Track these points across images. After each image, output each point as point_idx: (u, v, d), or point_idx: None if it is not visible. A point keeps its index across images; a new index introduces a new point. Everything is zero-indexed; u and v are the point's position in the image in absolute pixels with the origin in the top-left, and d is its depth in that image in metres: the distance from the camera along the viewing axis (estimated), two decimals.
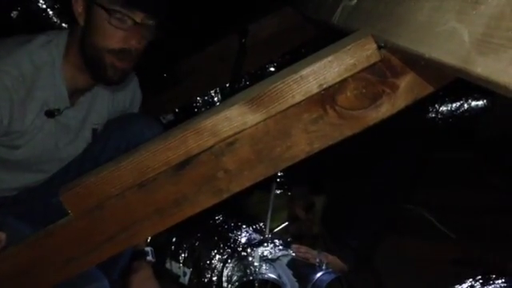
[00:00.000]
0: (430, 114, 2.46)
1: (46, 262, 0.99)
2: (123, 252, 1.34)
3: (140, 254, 1.54)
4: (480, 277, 1.22)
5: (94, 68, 1.32)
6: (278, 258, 1.54)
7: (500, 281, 1.17)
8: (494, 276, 1.20)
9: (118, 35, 1.27)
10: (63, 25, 2.16)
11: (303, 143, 0.87)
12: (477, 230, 2.00)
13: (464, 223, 2.05)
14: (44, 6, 2.17)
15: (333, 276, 1.47)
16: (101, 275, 1.28)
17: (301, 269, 1.51)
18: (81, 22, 1.30)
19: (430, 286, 1.58)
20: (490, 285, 1.17)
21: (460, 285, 1.23)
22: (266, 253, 1.54)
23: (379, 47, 0.81)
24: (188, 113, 2.46)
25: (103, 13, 1.25)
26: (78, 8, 1.29)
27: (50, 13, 2.19)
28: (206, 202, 0.92)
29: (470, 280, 1.23)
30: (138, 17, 1.26)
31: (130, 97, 1.58)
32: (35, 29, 2.14)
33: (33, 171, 1.45)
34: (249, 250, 1.55)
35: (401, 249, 1.91)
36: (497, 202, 2.19)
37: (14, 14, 2.20)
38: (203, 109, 2.53)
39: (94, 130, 1.49)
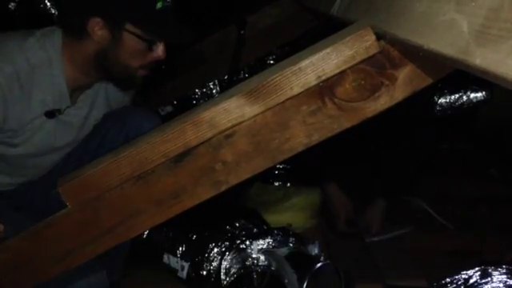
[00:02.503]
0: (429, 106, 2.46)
1: (44, 253, 0.99)
2: (122, 244, 1.34)
3: None
4: (478, 268, 1.22)
5: (123, 81, 1.37)
6: (275, 249, 1.54)
7: (498, 272, 1.17)
8: (492, 267, 1.20)
9: (152, 55, 1.32)
10: None
11: (302, 135, 0.87)
12: (475, 221, 2.00)
13: (462, 214, 2.06)
14: None
15: (331, 267, 1.47)
16: (98, 267, 1.28)
17: (299, 260, 1.51)
18: (96, 39, 1.28)
19: (428, 276, 1.58)
20: (488, 276, 1.18)
21: (458, 275, 1.23)
22: (263, 245, 1.54)
23: (378, 38, 0.80)
24: (186, 105, 2.46)
25: (138, 40, 1.28)
26: (98, 31, 1.27)
27: (48, 4, 2.18)
28: (205, 194, 0.92)
29: (468, 271, 1.23)
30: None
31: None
32: (34, 20, 2.14)
33: (31, 167, 1.44)
34: (247, 243, 1.55)
35: (398, 239, 1.92)
36: (495, 193, 2.19)
37: (11, 5, 2.19)
38: (202, 101, 2.52)
39: (96, 129, 1.48)
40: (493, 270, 1.19)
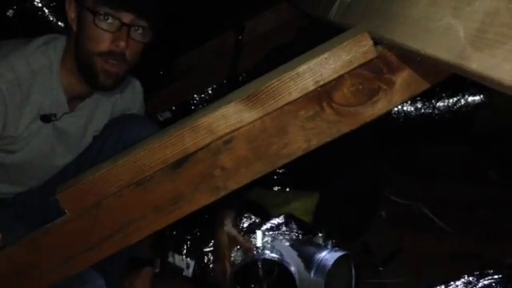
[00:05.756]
0: (427, 110, 2.47)
1: (43, 261, 0.99)
2: (121, 252, 1.34)
3: (145, 262, 1.50)
4: (477, 272, 1.22)
5: (87, 73, 1.29)
6: (281, 238, 1.53)
7: (497, 276, 1.17)
8: (491, 271, 1.20)
9: (105, 37, 1.23)
10: (59, 23, 2.16)
11: (300, 140, 0.87)
12: (474, 225, 2.00)
13: (461, 217, 2.06)
14: (40, 5, 2.17)
15: (338, 254, 1.44)
16: (96, 275, 1.28)
17: (305, 249, 1.49)
18: (74, 27, 1.28)
19: (427, 280, 1.58)
20: (488, 280, 1.18)
21: (457, 279, 1.23)
22: (268, 235, 1.53)
23: (375, 43, 0.81)
24: (185, 110, 2.46)
25: (90, 16, 1.23)
26: (71, 14, 1.28)
27: (46, 11, 2.18)
28: (203, 199, 0.92)
29: (467, 274, 1.23)
30: (126, 18, 1.23)
31: (133, 104, 1.54)
32: (31, 27, 2.15)
33: (30, 176, 1.44)
34: (251, 234, 1.53)
35: (398, 243, 1.92)
36: (494, 197, 2.19)
37: (9, 12, 2.19)
38: (200, 106, 2.52)
39: (95, 138, 1.47)
40: (492, 274, 1.19)
